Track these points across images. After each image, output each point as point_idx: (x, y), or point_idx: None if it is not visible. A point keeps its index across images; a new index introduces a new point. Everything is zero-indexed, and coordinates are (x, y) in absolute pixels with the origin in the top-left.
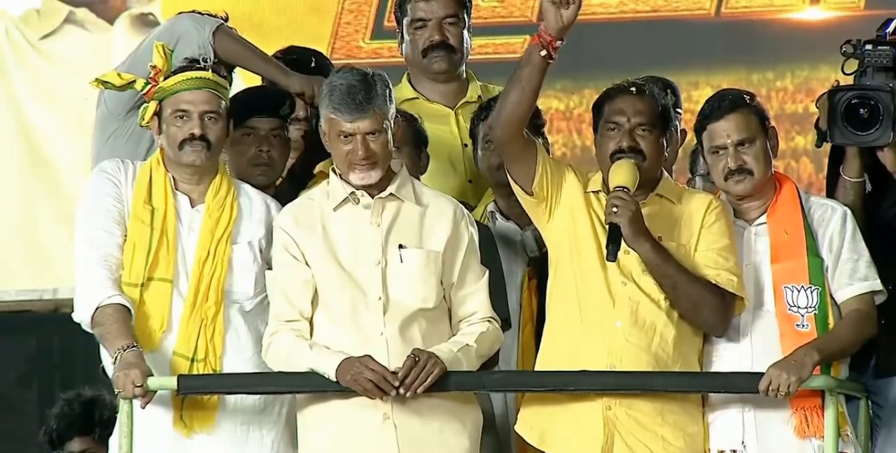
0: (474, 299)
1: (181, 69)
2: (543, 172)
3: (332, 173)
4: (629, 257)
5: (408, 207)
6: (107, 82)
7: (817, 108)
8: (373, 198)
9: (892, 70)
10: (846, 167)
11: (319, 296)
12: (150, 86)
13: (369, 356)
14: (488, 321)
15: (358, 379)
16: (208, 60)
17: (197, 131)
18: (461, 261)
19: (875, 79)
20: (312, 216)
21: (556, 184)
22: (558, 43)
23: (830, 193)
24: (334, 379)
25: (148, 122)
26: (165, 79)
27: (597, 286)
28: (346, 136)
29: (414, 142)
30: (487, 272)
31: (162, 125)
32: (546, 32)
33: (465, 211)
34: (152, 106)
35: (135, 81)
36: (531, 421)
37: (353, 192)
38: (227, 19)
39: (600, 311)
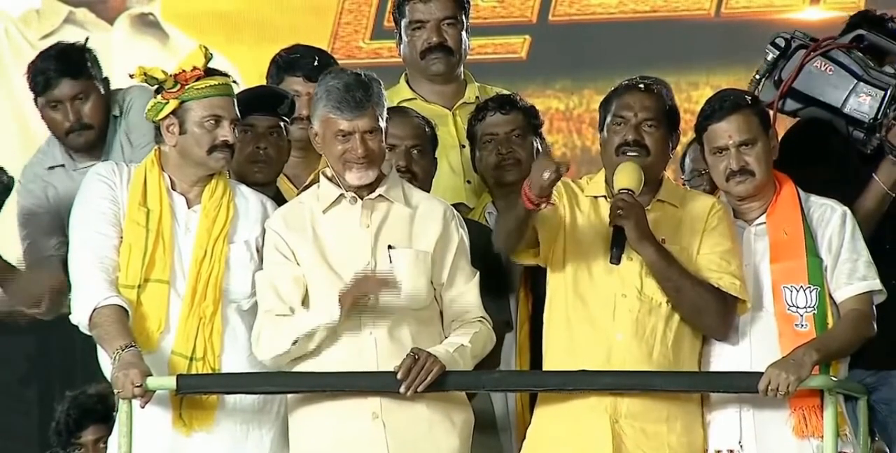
0: (465, 299)
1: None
2: (548, 243)
3: (322, 176)
4: (629, 266)
5: (397, 208)
6: (153, 78)
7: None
8: (362, 199)
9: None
10: (881, 172)
11: (310, 296)
12: (179, 85)
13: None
14: (480, 321)
15: (365, 282)
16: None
17: (231, 139)
18: (451, 261)
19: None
20: (302, 218)
21: (559, 235)
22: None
23: (851, 192)
24: (339, 317)
25: (161, 119)
26: (197, 80)
27: (596, 299)
28: (343, 135)
29: (434, 147)
30: (478, 273)
31: (185, 125)
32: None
33: (456, 212)
34: (173, 104)
35: (166, 81)
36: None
37: (342, 194)
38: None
39: (600, 324)
